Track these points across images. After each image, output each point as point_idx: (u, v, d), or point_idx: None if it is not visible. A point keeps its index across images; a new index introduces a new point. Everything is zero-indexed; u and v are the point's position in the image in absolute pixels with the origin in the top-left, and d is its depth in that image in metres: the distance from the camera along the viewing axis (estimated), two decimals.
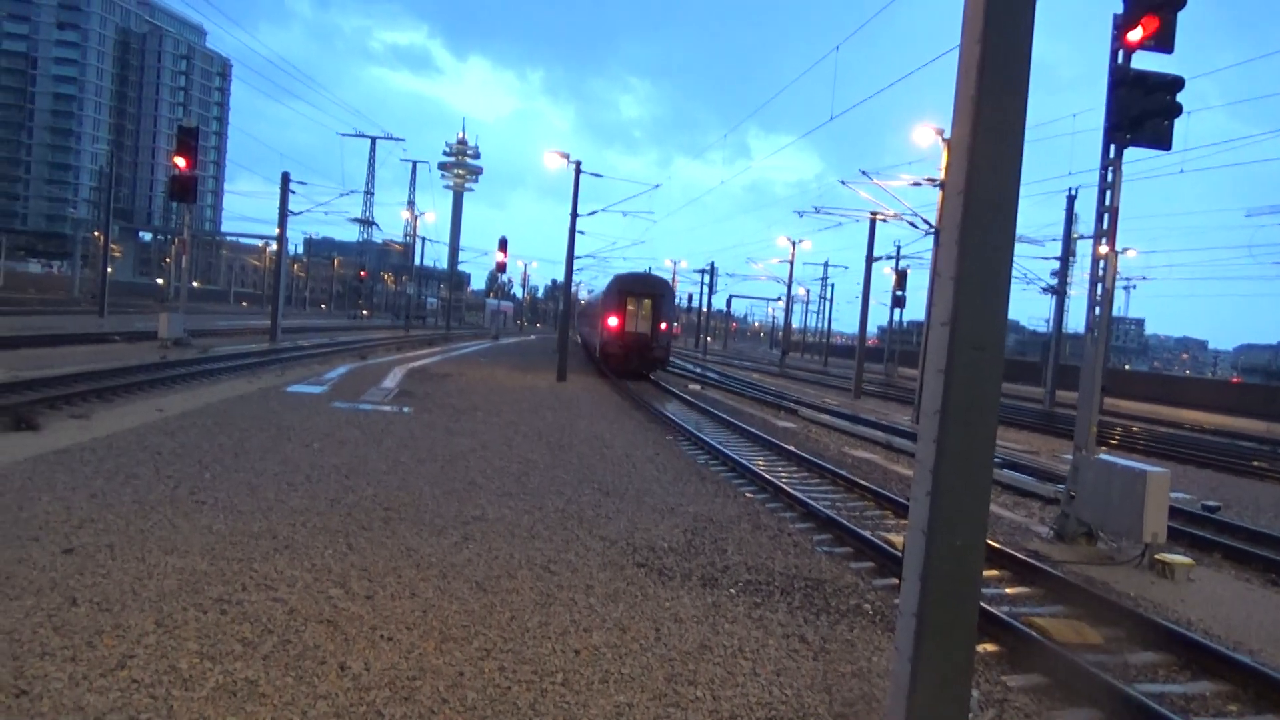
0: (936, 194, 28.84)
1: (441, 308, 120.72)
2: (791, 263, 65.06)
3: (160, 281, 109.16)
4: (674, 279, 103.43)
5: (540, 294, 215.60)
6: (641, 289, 38.15)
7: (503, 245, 51.33)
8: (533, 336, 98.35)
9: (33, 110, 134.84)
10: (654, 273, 46.82)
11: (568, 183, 31.83)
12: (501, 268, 54.95)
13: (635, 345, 36.76)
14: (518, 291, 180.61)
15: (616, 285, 38.49)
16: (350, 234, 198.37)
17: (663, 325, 37.62)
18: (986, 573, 9.51)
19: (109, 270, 56.23)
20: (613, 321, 37.06)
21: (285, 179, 41.21)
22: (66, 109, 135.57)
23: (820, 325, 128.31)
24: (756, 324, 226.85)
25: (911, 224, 31.37)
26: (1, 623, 5.89)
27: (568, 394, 24.70)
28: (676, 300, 55.00)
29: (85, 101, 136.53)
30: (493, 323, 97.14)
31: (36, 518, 8.36)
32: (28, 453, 11.15)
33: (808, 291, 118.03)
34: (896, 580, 8.85)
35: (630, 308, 37.32)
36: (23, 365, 20.68)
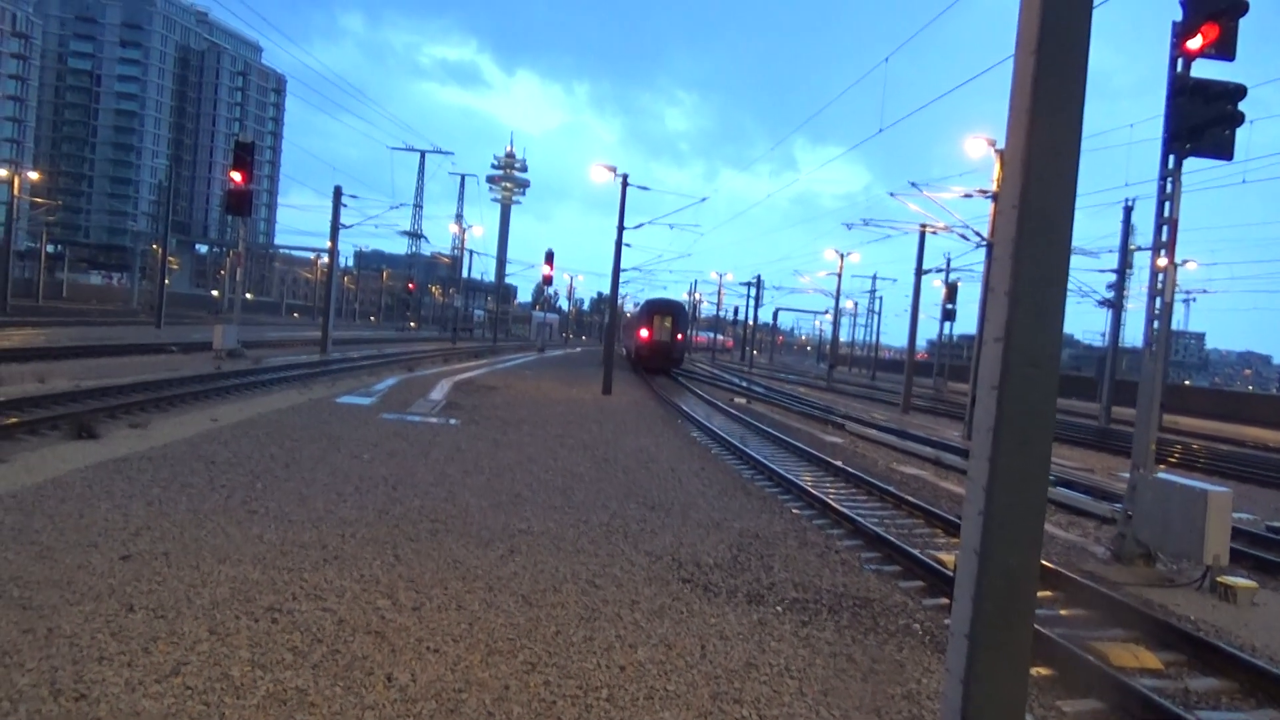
0: (988, 206, 28.54)
1: (488, 320, 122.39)
2: (839, 275, 65.30)
3: (215, 293, 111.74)
4: (719, 292, 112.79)
5: (586, 306, 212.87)
6: (664, 309, 52.86)
7: (549, 258, 52.56)
8: (578, 349, 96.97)
9: (96, 126, 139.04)
10: (673, 298, 61.66)
11: (614, 196, 32.69)
12: (548, 280, 55.97)
13: (660, 350, 51.10)
14: (563, 304, 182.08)
15: (647, 307, 53.92)
16: (399, 247, 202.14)
17: (679, 335, 52.34)
18: (1041, 593, 9.30)
19: (166, 282, 57.73)
20: (644, 333, 51.49)
21: (337, 192, 42.20)
22: (128, 125, 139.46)
23: (868, 339, 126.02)
24: (803, 337, 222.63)
25: (962, 236, 31.06)
26: (62, 627, 6.02)
27: (613, 407, 24.68)
28: (689, 318, 71.06)
29: (146, 118, 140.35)
30: (539, 335, 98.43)
31: (96, 524, 8.55)
32: (88, 460, 11.44)
33: (855, 305, 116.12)
34: (947, 600, 8.69)
35: (656, 323, 51.71)
36: (84, 375, 21.28)
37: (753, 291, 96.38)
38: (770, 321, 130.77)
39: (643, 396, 31.25)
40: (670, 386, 40.36)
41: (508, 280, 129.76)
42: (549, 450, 15.42)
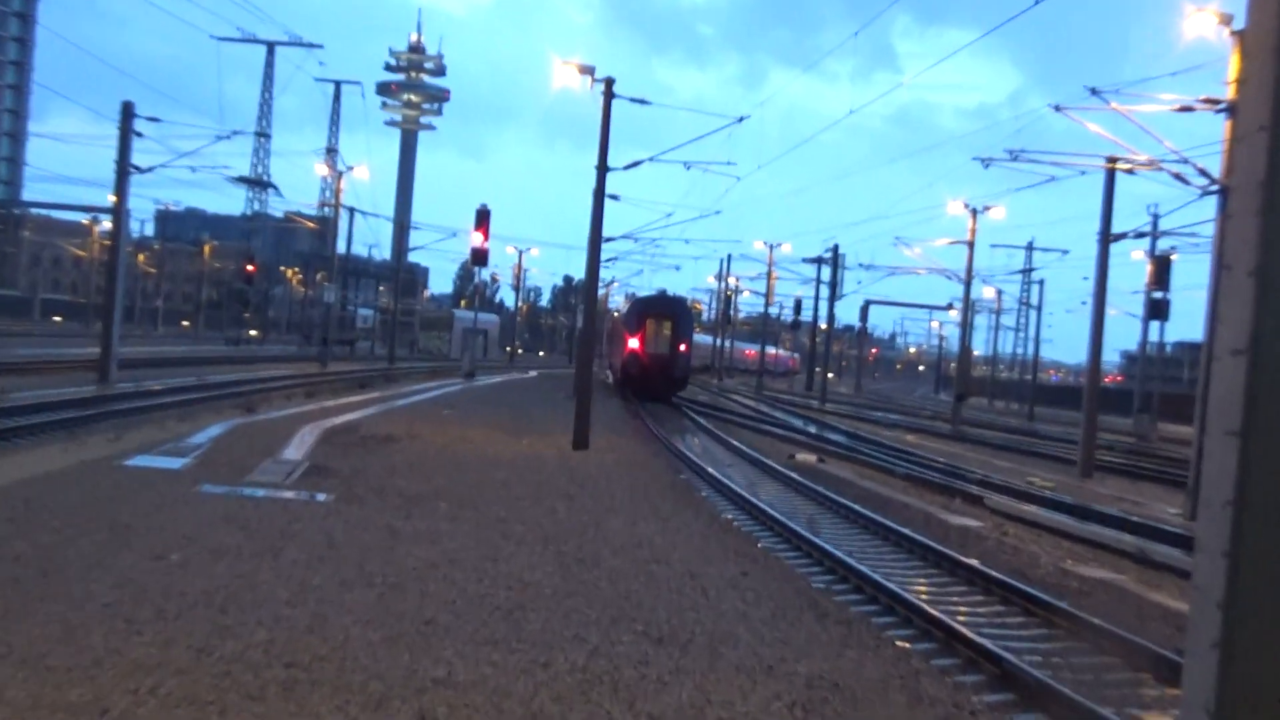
0: (1220, 126, 18.62)
1: (382, 325, 78.88)
2: (971, 244, 38.79)
3: None
4: (770, 270, 69.68)
5: (545, 301, 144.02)
6: (661, 309, 40.71)
7: (482, 221, 29.15)
8: (531, 373, 62.95)
9: None
10: (672, 293, 49.19)
11: (590, 116, 21.88)
12: (480, 258, 31.77)
13: (656, 367, 38.85)
14: (507, 297, 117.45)
15: (637, 307, 41.98)
16: (232, 203, 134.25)
17: (682, 346, 39.43)
18: None
19: None
20: (632, 343, 39.00)
21: (127, 113, 28.10)
22: None
23: (1021, 350, 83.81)
24: (912, 349, 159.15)
25: (1178, 177, 20.20)
26: None
27: (591, 469, 17.14)
28: (693, 320, 53.37)
29: None
30: (465, 350, 57.11)
31: None
32: None
33: (999, 294, 70.67)
34: None
35: (650, 329, 39.18)
36: None
37: (826, 273, 57.80)
38: (856, 324, 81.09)
39: (639, 449, 22.45)
40: (682, 428, 29.81)
41: (413, 258, 76.74)
42: (485, 544, 10.66)
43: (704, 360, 78.05)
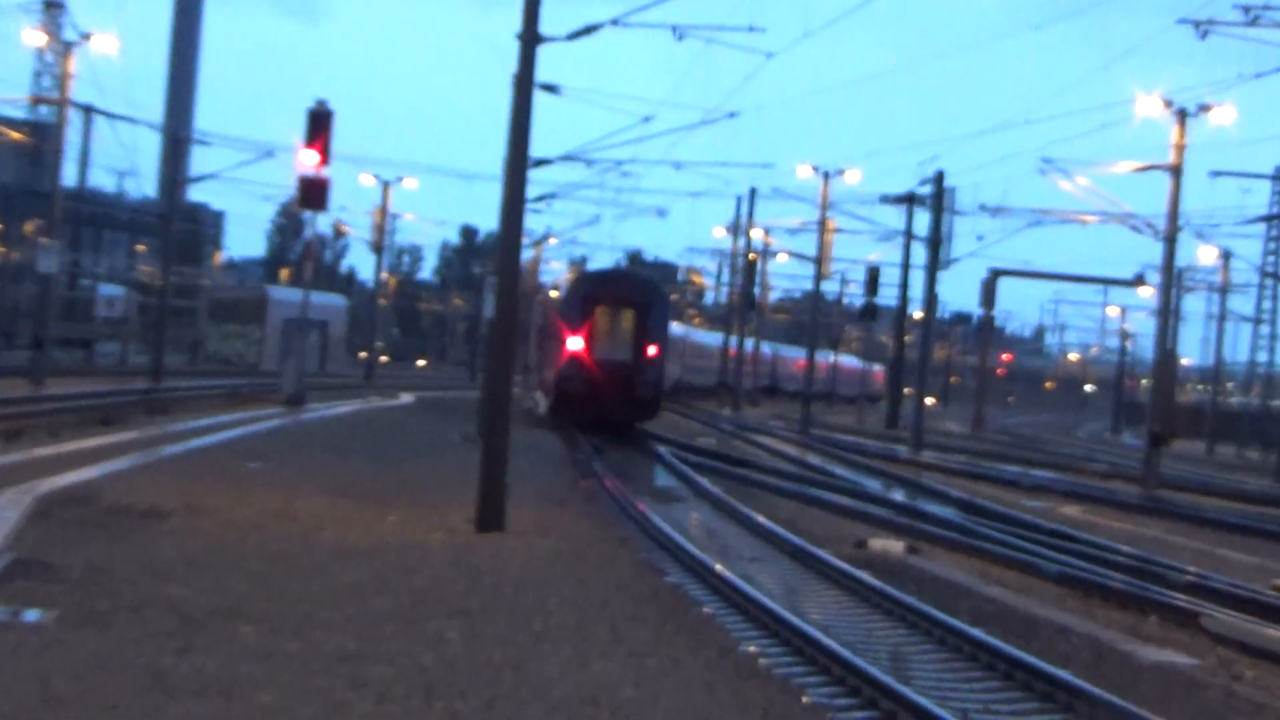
0: None
1: (142, 314, 54.68)
2: (1176, 172, 25.38)
3: None
4: (824, 217, 40.77)
5: (429, 271, 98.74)
6: (618, 291, 29.51)
7: (318, 130, 19.64)
8: (405, 397, 41.95)
9: None
10: (636, 270, 35.61)
11: None
12: (314, 196, 21.68)
13: (610, 381, 27.40)
14: (361, 263, 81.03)
15: (581, 286, 30.51)
16: None
17: (651, 349, 28.54)
18: None
19: None
20: (575, 344, 27.65)
21: None
22: None
23: (1266, 359, 51.19)
24: (1073, 356, 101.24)
25: None
26: None
27: (508, 565, 10.83)
28: (670, 308, 37.70)
29: None
30: (288, 356, 36.52)
31: None
32: None
33: (1227, 259, 44.47)
34: None
35: (600, 321, 28.21)
36: None
37: (921, 222, 36.19)
38: (976, 311, 52.26)
39: (591, 529, 14.24)
40: (668, 492, 20.37)
41: (197, 196, 58.90)
42: (322, 704, 5.64)
43: (708, 373, 56.25)
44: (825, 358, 60.12)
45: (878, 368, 71.96)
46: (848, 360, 73.36)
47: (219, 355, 59.97)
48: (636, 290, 30.47)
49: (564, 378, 28.35)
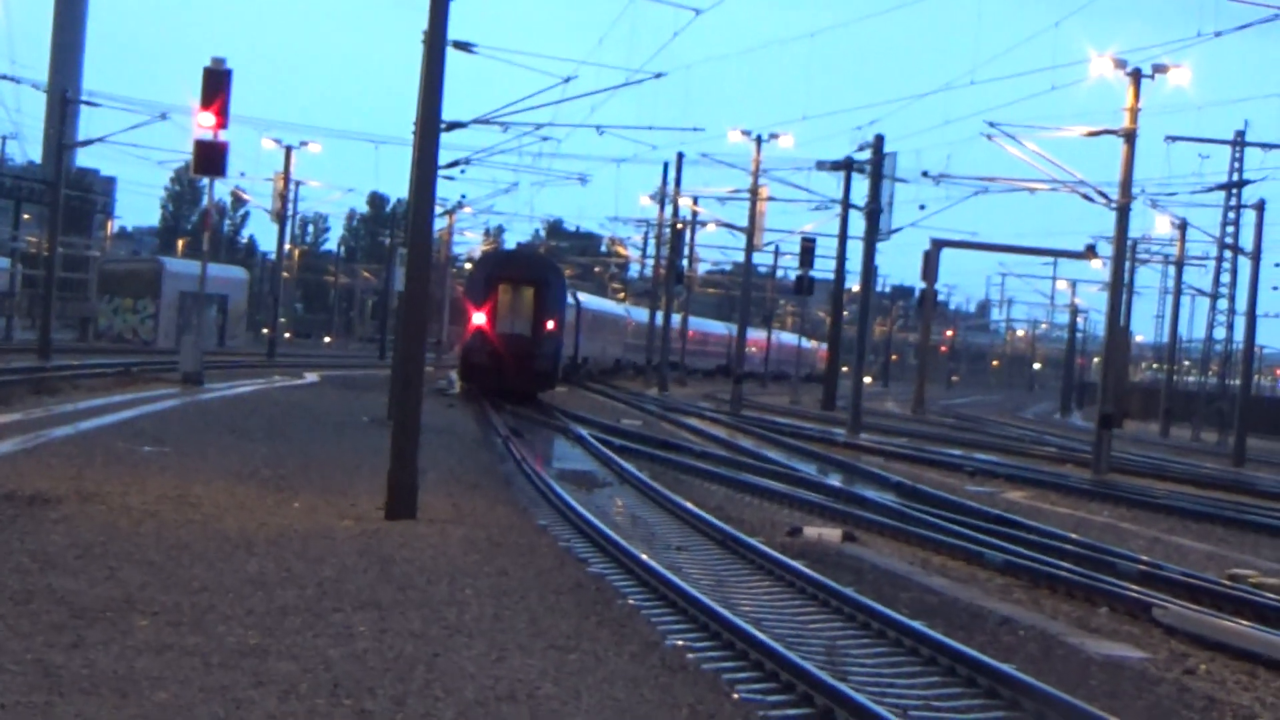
0: None
1: (26, 287, 55.13)
2: (1130, 137, 23.94)
3: None
4: (756, 184, 39.48)
5: (334, 242, 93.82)
6: (518, 271, 32.94)
7: (216, 89, 19.46)
8: (310, 376, 39.76)
9: None
10: (535, 252, 38.19)
11: None
12: (211, 160, 21.46)
13: (512, 354, 30.33)
14: (262, 234, 79.52)
15: (485, 268, 33.84)
16: None
17: (549, 324, 31.71)
18: None
19: None
20: (479, 319, 30.79)
21: None
22: None
23: (1222, 336, 48.29)
24: (1020, 332, 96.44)
25: None
26: None
27: (421, 554, 10.44)
28: (566, 286, 38.32)
29: None
30: (186, 331, 38.34)
31: None
32: None
33: (1183, 230, 41.97)
34: None
35: (503, 299, 31.14)
36: None
37: (859, 189, 34.52)
38: (916, 285, 51.59)
39: (509, 515, 13.76)
40: (593, 479, 19.18)
41: (86, 161, 57.66)
42: (221, 701, 5.44)
43: (635, 350, 54.13)
44: (762, 337, 58.80)
45: (823, 347, 65.19)
46: (788, 340, 69.30)
47: (111, 331, 57.25)
48: (535, 270, 33.96)
49: (470, 349, 31.76)
